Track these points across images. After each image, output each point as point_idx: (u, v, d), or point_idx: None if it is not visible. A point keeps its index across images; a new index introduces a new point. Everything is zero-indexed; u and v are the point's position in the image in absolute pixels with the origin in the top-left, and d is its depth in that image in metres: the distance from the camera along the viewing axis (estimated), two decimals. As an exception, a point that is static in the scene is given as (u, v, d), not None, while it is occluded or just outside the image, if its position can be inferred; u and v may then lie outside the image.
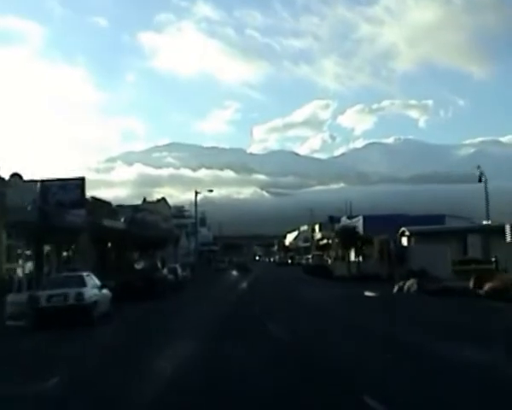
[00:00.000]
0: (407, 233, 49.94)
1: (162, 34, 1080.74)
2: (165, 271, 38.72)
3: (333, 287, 39.13)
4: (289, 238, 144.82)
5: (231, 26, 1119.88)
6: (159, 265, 37.93)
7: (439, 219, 62.75)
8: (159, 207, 64.57)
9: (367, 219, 67.74)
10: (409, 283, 30.95)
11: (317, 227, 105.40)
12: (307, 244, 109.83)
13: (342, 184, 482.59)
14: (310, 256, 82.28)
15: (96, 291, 21.34)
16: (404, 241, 50.26)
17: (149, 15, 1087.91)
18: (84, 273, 22.30)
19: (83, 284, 20.83)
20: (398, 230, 50.06)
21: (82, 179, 33.20)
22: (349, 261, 49.60)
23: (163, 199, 68.19)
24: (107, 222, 35.58)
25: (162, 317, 23.26)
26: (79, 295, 19.97)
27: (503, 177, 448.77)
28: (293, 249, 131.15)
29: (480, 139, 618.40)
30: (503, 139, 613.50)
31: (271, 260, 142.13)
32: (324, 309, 23.90)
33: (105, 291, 22.61)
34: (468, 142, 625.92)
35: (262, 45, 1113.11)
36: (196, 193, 70.89)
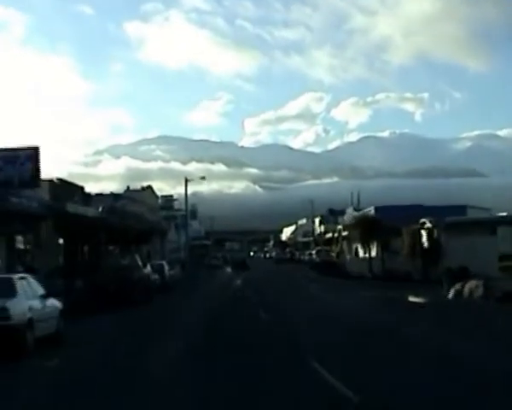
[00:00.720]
0: (428, 225, 42.75)
1: (149, 24, 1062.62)
2: (148, 269, 31.44)
3: (358, 290, 32.13)
4: (286, 233, 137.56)
5: (221, 16, 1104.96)
6: (139, 261, 30.23)
7: (461, 209, 55.91)
8: (144, 197, 57.17)
9: (380, 210, 60.66)
10: (470, 285, 23.79)
11: (317, 220, 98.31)
12: (307, 239, 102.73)
13: (336, 179, 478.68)
14: (313, 252, 75.36)
15: (33, 304, 14.05)
16: (424, 234, 43.25)
17: (136, 4, 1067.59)
18: (16, 276, 14.91)
19: (11, 292, 13.51)
20: (416, 221, 42.88)
21: (35, 149, 25.09)
22: (370, 257, 41.45)
23: (149, 187, 60.77)
24: (72, 208, 28.17)
25: (134, 341, 15.63)
26: (2, 312, 12.73)
27: (500, 171, 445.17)
28: (291, 245, 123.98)
29: (477, 133, 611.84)
30: (501, 133, 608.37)
31: (267, 256, 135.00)
32: (381, 329, 16.51)
33: (51, 303, 15.28)
34: (464, 135, 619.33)
35: (253, 36, 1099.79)
36: (186, 181, 63.68)
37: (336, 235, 72.51)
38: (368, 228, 40.33)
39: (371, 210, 62.31)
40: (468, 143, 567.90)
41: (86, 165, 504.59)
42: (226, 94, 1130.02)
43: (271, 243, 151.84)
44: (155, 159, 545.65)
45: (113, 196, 49.61)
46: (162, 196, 63.94)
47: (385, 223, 42.11)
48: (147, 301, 26.24)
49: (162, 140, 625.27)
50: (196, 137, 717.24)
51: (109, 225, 35.70)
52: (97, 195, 48.97)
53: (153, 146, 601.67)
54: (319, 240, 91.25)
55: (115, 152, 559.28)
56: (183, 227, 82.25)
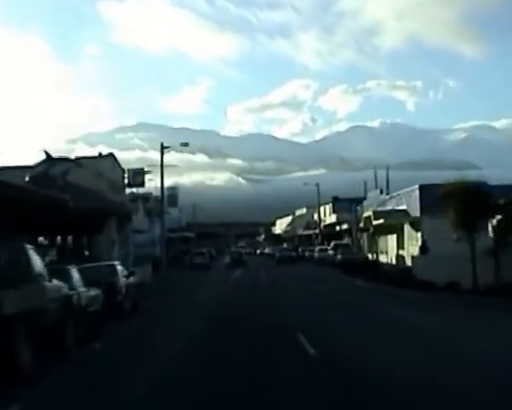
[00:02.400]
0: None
1: (124, 3, 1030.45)
2: (76, 282, 15.22)
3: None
4: (281, 225, 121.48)
5: None
6: (33, 265, 13.51)
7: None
8: (103, 167, 40.85)
9: (427, 190, 45.48)
10: None
11: (327, 208, 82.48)
12: (311, 232, 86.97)
13: (323, 170, 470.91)
14: (328, 247, 59.86)
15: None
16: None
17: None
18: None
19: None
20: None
21: None
22: (474, 253, 23.91)
23: (111, 155, 44.32)
24: None
25: None
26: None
27: (496, 164, 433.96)
28: (287, 239, 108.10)
29: (472, 124, 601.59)
30: (497, 124, 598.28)
31: (258, 252, 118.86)
32: None
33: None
34: (459, 126, 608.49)
35: (236, 18, 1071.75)
36: (162, 148, 47.50)
37: (361, 225, 56.92)
38: (470, 203, 23.47)
39: (414, 190, 47.22)
40: (463, 135, 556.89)
41: (58, 153, 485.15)
42: (208, 79, 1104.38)
43: (262, 236, 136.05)
44: (133, 147, 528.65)
45: (50, 161, 33.54)
46: (130, 170, 47.83)
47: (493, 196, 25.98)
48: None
49: (140, 128, 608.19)
50: (176, 124, 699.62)
51: (38, 204, 19.62)
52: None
53: (130, 134, 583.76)
54: (329, 232, 75.52)
55: (90, 140, 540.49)
56: (159, 216, 66.09)
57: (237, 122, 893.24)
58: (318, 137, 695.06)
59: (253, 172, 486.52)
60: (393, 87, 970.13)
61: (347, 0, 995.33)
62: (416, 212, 46.53)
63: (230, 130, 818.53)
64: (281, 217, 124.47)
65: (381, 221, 47.80)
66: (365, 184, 69.73)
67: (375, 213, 49.21)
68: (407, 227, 48.53)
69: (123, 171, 47.18)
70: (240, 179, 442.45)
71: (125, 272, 21.54)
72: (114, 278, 19.38)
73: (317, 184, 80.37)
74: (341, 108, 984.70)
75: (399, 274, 31.42)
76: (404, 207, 49.59)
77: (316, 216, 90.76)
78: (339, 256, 50.72)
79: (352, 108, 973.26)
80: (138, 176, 49.17)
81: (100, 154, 40.66)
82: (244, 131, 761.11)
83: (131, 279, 21.96)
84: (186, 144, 48.72)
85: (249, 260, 79.61)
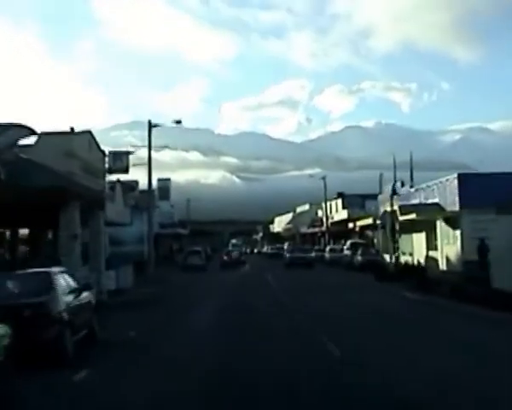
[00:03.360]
0: None
1: (121, 2, 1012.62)
2: None
3: None
4: (280, 223, 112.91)
5: None
6: None
7: None
8: (75, 145, 32.27)
9: (467, 180, 37.67)
10: None
11: (331, 205, 74.16)
12: (316, 230, 78.65)
13: (318, 170, 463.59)
14: (344, 247, 51.53)
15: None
16: None
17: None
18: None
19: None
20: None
21: None
22: None
23: (88, 133, 35.63)
24: None
25: None
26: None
27: (490, 166, 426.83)
28: (287, 237, 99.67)
29: (467, 125, 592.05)
30: (492, 126, 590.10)
31: (255, 251, 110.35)
32: None
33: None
34: (453, 128, 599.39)
35: (232, 18, 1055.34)
36: (150, 126, 38.96)
37: (377, 222, 48.62)
38: None
39: (453, 180, 39.16)
40: (457, 136, 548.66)
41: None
42: (203, 78, 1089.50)
43: (259, 235, 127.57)
44: (127, 145, 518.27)
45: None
46: (111, 152, 39.14)
47: None
48: None
49: (135, 125, 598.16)
50: (171, 122, 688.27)
51: None
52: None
53: (125, 131, 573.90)
54: (337, 230, 67.24)
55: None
56: (145, 210, 57.91)
57: (232, 121, 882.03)
58: (313, 136, 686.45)
59: (248, 170, 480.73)
60: (388, 88, 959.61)
61: (342, 2, 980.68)
62: (452, 206, 38.39)
63: (225, 128, 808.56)
64: (280, 214, 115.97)
65: (410, 217, 39.45)
66: (381, 175, 61.58)
67: (401, 207, 40.74)
68: (440, 224, 40.26)
69: (103, 153, 38.55)
70: (234, 178, 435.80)
71: (74, 285, 13.04)
72: (45, 297, 10.91)
73: (324, 178, 72.42)
74: (336, 109, 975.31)
75: (460, 282, 23.08)
76: (436, 200, 41.42)
77: (320, 213, 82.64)
78: (359, 258, 42.38)
79: (347, 109, 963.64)
80: (120, 159, 40.44)
81: (72, 129, 31.92)
82: (239, 129, 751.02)
83: (86, 296, 13.52)
84: (179, 122, 39.82)
85: (248, 260, 71.14)
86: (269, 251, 79.04)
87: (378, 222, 48.57)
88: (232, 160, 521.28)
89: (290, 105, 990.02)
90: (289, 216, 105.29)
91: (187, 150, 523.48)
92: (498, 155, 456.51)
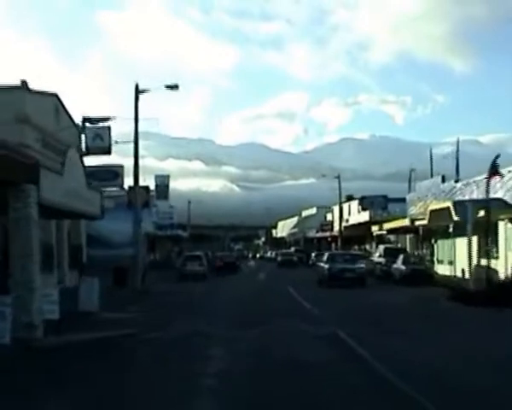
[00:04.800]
0: None
1: (121, 12, 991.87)
2: None
3: None
4: (284, 228, 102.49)
5: (198, 6, 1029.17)
6: None
7: None
8: (33, 109, 22.15)
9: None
10: None
11: (346, 207, 64.14)
12: (327, 234, 68.50)
13: (313, 180, 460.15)
14: (376, 254, 41.24)
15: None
16: None
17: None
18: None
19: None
20: None
21: None
22: None
23: (54, 96, 25.45)
24: None
25: None
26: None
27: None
28: (291, 242, 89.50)
29: (460, 138, 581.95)
30: (483, 139, 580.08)
31: (257, 256, 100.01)
32: None
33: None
34: (445, 140, 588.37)
35: (232, 29, 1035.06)
36: (137, 91, 28.55)
37: (406, 223, 38.49)
38: None
39: None
40: (449, 148, 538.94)
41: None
42: (204, 89, 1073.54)
43: (261, 239, 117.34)
44: (131, 154, 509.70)
45: None
46: (87, 119, 28.68)
47: None
48: None
49: (140, 135, 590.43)
50: (174, 133, 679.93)
51: None
52: None
53: (129, 141, 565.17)
54: (351, 234, 57.18)
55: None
56: (145, 206, 47.82)
57: (232, 131, 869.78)
58: (309, 147, 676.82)
59: (247, 179, 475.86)
60: (383, 101, 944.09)
61: (341, 13, 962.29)
62: (522, 202, 28.46)
63: (225, 139, 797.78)
64: (283, 219, 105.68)
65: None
66: (411, 171, 52.13)
67: (456, 203, 30.43)
68: (506, 225, 30.18)
69: (77, 127, 28.35)
70: (234, 187, 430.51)
71: None
72: None
73: (339, 176, 62.73)
74: (332, 120, 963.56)
75: None
76: (498, 195, 31.44)
77: (330, 216, 72.70)
78: (401, 267, 32.07)
79: (343, 121, 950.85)
80: (100, 135, 30.07)
81: (24, 83, 21.61)
82: (239, 140, 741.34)
83: None
84: (175, 87, 29.23)
85: (259, 267, 61.22)
86: (279, 258, 62.17)
87: (419, 223, 38.16)
88: (232, 169, 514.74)
89: (288, 117, 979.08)
90: (294, 220, 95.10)
91: (190, 159, 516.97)
92: (487, 166, 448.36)
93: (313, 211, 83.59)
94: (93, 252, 47.67)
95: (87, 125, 29.42)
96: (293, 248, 75.13)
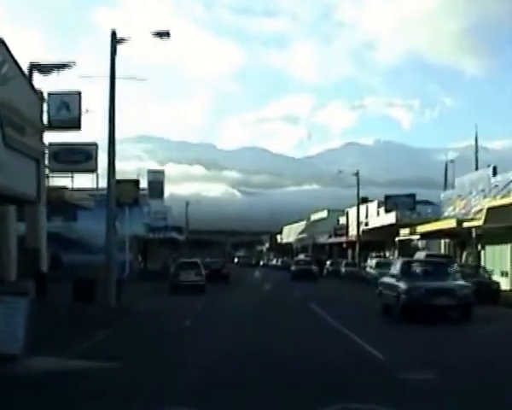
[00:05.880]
0: None
1: (120, 12, 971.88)
2: None
3: None
4: (290, 233, 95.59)
5: (201, 3, 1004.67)
6: None
7: None
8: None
9: None
10: None
11: (363, 210, 57.48)
12: (343, 239, 61.71)
13: (316, 186, 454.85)
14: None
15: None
16: None
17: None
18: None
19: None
20: None
21: None
22: None
23: (1, 43, 19.01)
24: None
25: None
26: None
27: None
28: (298, 249, 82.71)
29: (466, 144, 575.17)
30: (490, 145, 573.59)
31: (260, 263, 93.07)
32: None
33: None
34: (452, 146, 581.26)
35: (235, 30, 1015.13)
36: (114, 38, 21.89)
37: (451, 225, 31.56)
38: None
39: None
40: (455, 154, 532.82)
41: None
42: (206, 91, 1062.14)
43: (265, 246, 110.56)
44: (131, 158, 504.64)
45: None
46: (51, 94, 22.21)
47: None
48: None
49: (141, 139, 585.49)
50: (175, 136, 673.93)
51: None
52: None
53: (130, 145, 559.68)
54: (373, 239, 50.40)
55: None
56: (131, 204, 42.19)
57: (233, 135, 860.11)
58: (312, 152, 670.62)
59: (248, 184, 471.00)
60: (390, 104, 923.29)
61: (347, 11, 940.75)
62: None
63: (227, 143, 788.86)
64: (290, 223, 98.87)
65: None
66: (447, 165, 45.69)
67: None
68: None
69: (37, 93, 21.69)
70: (235, 192, 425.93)
71: None
72: None
73: (357, 173, 56.34)
74: (337, 125, 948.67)
75: None
76: None
77: (342, 220, 66.05)
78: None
79: (348, 125, 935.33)
80: (66, 105, 23.33)
81: None
82: (240, 144, 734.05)
83: None
84: (167, 34, 22.41)
85: (265, 275, 54.16)
86: (293, 268, 50.31)
87: (470, 225, 31.15)
88: (234, 174, 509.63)
89: (291, 120, 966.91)
90: (302, 225, 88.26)
91: (190, 164, 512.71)
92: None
93: (323, 214, 76.85)
94: (72, 258, 40.74)
95: (49, 92, 22.64)
96: (301, 256, 68.13)
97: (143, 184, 52.23)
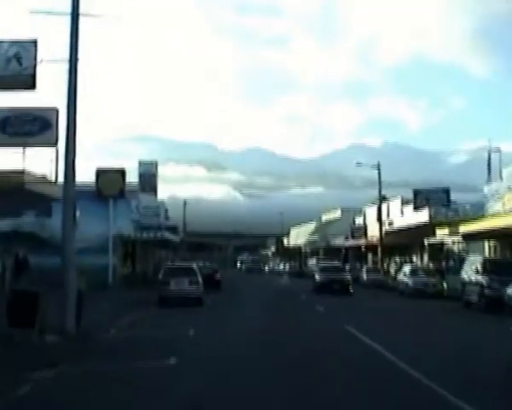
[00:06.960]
0: None
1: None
2: None
3: None
4: (298, 236, 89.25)
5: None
6: None
7: None
8: None
9: None
10: None
11: (384, 208, 51.34)
12: (362, 241, 55.49)
13: (321, 188, 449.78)
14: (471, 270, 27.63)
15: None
16: None
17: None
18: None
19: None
20: None
21: None
22: None
23: None
24: None
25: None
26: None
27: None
28: (310, 253, 76.56)
29: (476, 145, 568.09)
30: (504, 147, 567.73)
31: (266, 268, 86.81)
32: None
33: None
34: (462, 147, 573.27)
35: (234, 26, 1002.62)
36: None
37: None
38: None
39: None
40: (466, 156, 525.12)
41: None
42: (207, 91, 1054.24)
43: (271, 249, 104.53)
44: (130, 158, 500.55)
45: None
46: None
47: None
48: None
49: (142, 139, 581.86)
50: (175, 136, 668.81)
51: None
52: None
53: (130, 145, 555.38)
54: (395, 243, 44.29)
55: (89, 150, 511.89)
56: (116, 199, 36.13)
57: (236, 136, 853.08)
58: (317, 153, 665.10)
59: (251, 186, 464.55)
60: (396, 105, 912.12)
61: (353, 9, 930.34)
62: None
63: (229, 143, 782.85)
64: (297, 224, 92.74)
65: None
66: (489, 154, 39.97)
67: None
68: None
69: None
70: (237, 194, 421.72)
71: None
72: None
73: (379, 166, 50.45)
74: (342, 126, 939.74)
75: None
76: None
77: (359, 220, 60.04)
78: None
79: (353, 126, 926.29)
80: (18, 57, 17.33)
81: None
82: (243, 144, 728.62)
83: None
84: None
85: (276, 284, 48.24)
86: (317, 278, 37.60)
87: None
88: (236, 175, 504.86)
89: (295, 121, 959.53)
90: (311, 227, 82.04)
91: (191, 165, 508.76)
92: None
93: (337, 214, 70.71)
94: (41, 261, 33.75)
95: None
96: (313, 260, 61.82)
97: (135, 178, 46.31)
